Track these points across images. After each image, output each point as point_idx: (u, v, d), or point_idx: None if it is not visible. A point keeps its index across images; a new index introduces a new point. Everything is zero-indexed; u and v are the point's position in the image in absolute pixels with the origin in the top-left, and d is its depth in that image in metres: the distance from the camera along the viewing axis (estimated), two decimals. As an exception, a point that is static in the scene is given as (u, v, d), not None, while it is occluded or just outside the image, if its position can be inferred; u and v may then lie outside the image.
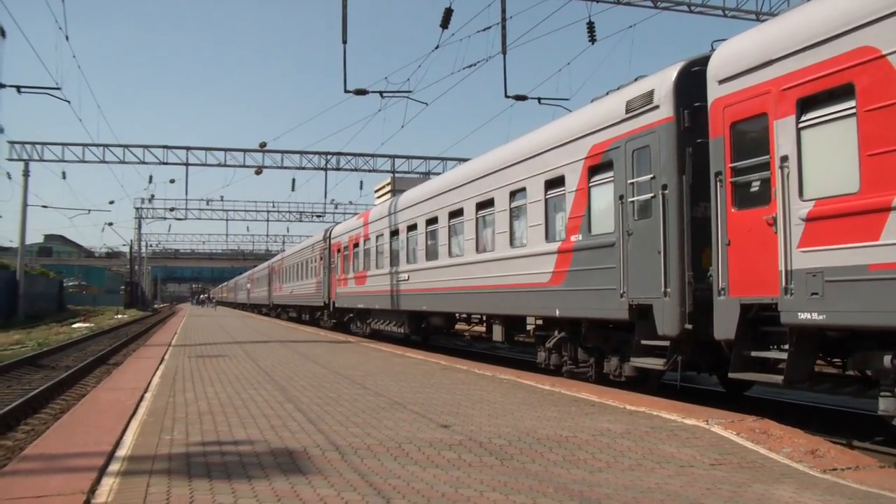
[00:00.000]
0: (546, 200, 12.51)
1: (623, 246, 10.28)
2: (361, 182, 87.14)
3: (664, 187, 9.57)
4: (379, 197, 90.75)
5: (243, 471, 5.67)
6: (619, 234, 10.37)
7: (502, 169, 14.17)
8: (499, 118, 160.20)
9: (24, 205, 44.67)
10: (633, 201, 10.18)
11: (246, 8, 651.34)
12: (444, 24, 19.20)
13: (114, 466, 5.91)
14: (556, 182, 12.21)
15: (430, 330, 20.57)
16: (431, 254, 18.03)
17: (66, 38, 25.12)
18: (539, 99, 22.81)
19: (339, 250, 28.50)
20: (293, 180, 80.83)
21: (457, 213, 16.42)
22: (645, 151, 9.97)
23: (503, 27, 20.50)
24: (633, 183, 10.16)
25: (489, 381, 11.59)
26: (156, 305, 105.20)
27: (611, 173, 10.69)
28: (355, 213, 35.46)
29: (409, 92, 22.10)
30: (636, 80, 10.84)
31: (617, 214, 10.46)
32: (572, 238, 11.62)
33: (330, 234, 30.63)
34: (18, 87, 26.49)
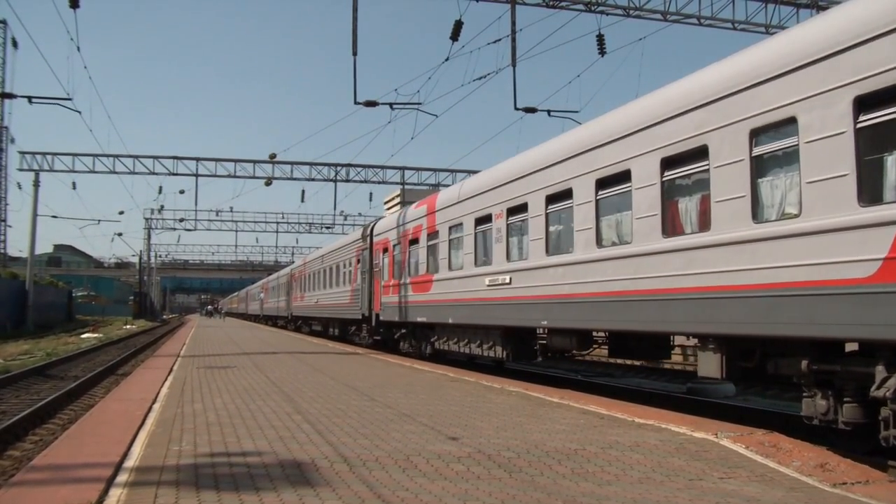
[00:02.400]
0: (857, 131, 6.99)
1: None
2: (371, 194, 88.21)
3: None
4: (389, 209, 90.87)
5: (252, 482, 5.67)
6: None
7: (727, 96, 8.66)
8: (508, 130, 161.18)
9: (34, 215, 44.97)
10: None
11: (256, 20, 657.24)
12: (455, 36, 19.35)
13: (122, 477, 5.92)
14: (880, 98, 6.81)
15: (542, 353, 14.67)
16: (556, 245, 12.83)
17: (78, 48, 25.43)
18: (549, 111, 22.89)
19: (385, 250, 23.15)
20: (303, 192, 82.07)
21: (613, 181, 10.97)
22: None
23: (513, 40, 20.66)
24: None
25: (498, 394, 11.57)
26: (165, 316, 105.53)
27: None
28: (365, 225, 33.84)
29: (419, 104, 22.24)
30: None
31: None
32: None
33: (371, 230, 24.92)
34: (30, 98, 26.58)
